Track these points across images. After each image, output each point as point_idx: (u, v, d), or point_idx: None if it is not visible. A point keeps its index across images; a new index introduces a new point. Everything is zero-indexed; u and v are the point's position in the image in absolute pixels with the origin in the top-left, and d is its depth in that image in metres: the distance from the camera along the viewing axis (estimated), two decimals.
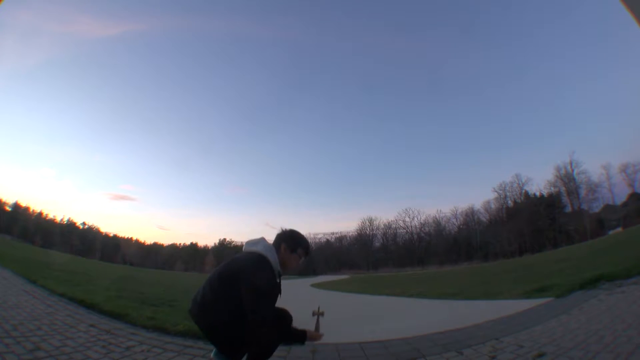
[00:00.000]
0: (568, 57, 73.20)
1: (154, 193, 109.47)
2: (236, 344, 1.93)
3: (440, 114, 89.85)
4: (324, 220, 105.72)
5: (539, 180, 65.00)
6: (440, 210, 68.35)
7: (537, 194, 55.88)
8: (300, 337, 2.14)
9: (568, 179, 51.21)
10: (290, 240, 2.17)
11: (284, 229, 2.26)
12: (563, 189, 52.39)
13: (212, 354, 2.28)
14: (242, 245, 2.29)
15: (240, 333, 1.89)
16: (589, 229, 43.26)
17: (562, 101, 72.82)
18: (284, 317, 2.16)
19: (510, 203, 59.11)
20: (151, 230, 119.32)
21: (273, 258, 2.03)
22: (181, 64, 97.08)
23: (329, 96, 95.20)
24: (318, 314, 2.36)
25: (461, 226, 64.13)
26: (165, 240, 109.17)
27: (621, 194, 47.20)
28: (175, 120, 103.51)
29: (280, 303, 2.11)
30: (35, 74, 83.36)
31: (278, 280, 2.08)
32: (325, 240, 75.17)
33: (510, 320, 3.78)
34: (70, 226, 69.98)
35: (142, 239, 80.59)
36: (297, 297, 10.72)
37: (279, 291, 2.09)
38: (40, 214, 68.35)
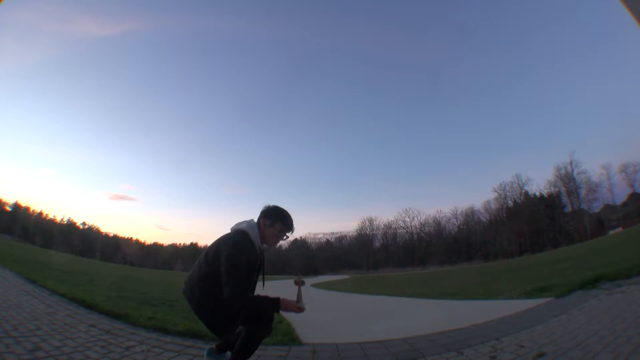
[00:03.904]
0: (568, 57, 73.29)
1: (154, 193, 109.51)
2: (224, 322, 1.96)
3: (440, 113, 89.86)
4: (324, 220, 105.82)
5: (539, 180, 65.08)
6: (440, 210, 68.46)
7: (537, 194, 55.94)
8: (272, 304, 1.96)
9: (568, 179, 51.22)
10: (269, 214, 2.20)
11: (267, 205, 2.27)
12: (563, 189, 52.42)
13: (205, 353, 2.32)
14: None
15: (227, 311, 1.93)
16: (589, 229, 43.26)
17: (562, 101, 72.94)
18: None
19: (510, 203, 59.13)
20: (151, 230, 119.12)
21: (253, 232, 2.10)
22: (181, 64, 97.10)
23: (328, 96, 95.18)
24: (299, 282, 2.25)
25: (461, 226, 64.16)
26: (165, 240, 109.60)
27: (621, 194, 47.27)
28: (175, 120, 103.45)
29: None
30: (34, 73, 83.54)
31: (259, 253, 2.14)
32: (325, 240, 75.26)
33: (510, 320, 3.77)
34: (70, 226, 69.99)
35: (142, 239, 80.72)
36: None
37: (260, 264, 2.16)
38: (40, 214, 68.42)
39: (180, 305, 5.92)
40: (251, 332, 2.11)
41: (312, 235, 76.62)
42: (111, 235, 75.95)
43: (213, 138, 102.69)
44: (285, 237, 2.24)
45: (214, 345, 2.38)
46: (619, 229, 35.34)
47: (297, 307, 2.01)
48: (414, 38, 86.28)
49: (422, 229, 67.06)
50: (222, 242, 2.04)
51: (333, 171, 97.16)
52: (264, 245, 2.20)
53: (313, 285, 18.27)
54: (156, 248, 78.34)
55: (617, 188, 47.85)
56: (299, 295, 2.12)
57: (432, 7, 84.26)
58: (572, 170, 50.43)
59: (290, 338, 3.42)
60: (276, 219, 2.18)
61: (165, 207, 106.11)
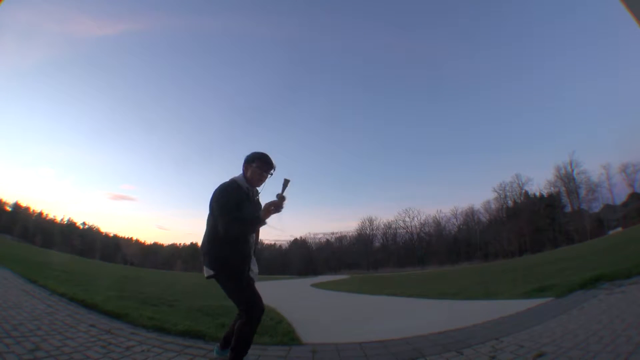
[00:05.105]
0: (568, 57, 73.32)
1: (154, 193, 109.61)
2: (225, 260, 2.14)
3: (440, 113, 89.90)
4: (324, 220, 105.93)
5: (539, 180, 65.22)
6: (440, 210, 68.55)
7: (537, 194, 55.97)
8: (256, 221, 2.10)
9: (568, 179, 51.23)
10: (247, 158, 2.38)
11: None
12: (563, 189, 52.45)
13: (214, 351, 2.34)
14: None
15: (227, 245, 2.13)
16: (589, 229, 43.27)
17: (562, 101, 73.01)
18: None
19: (510, 203, 59.13)
20: (151, 230, 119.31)
21: (239, 178, 2.31)
22: (181, 63, 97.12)
23: (328, 96, 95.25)
24: (284, 187, 2.10)
25: (461, 226, 64.18)
26: (165, 240, 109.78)
27: (621, 194, 47.29)
28: (175, 119, 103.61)
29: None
30: (35, 73, 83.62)
31: (248, 193, 2.31)
32: (325, 240, 75.27)
33: (510, 320, 3.77)
34: (70, 226, 69.99)
35: (142, 239, 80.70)
36: (297, 296, 10.72)
37: (248, 201, 2.29)
38: (40, 214, 68.43)
39: (180, 305, 5.92)
40: (244, 319, 2.11)
41: (312, 235, 76.71)
42: (111, 235, 76.00)
43: (213, 137, 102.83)
44: (269, 174, 2.35)
45: (218, 343, 2.44)
46: (619, 229, 35.34)
47: (274, 204, 2.04)
48: (414, 37, 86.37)
49: (422, 229, 67.20)
50: (213, 193, 2.24)
51: (333, 171, 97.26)
52: (253, 188, 2.34)
53: (313, 285, 18.26)
54: (156, 248, 78.38)
55: (617, 188, 47.94)
56: (283, 191, 2.08)
57: (432, 5, 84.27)
58: (572, 170, 50.53)
59: (290, 338, 3.42)
60: (253, 159, 2.34)
61: (165, 207, 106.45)
